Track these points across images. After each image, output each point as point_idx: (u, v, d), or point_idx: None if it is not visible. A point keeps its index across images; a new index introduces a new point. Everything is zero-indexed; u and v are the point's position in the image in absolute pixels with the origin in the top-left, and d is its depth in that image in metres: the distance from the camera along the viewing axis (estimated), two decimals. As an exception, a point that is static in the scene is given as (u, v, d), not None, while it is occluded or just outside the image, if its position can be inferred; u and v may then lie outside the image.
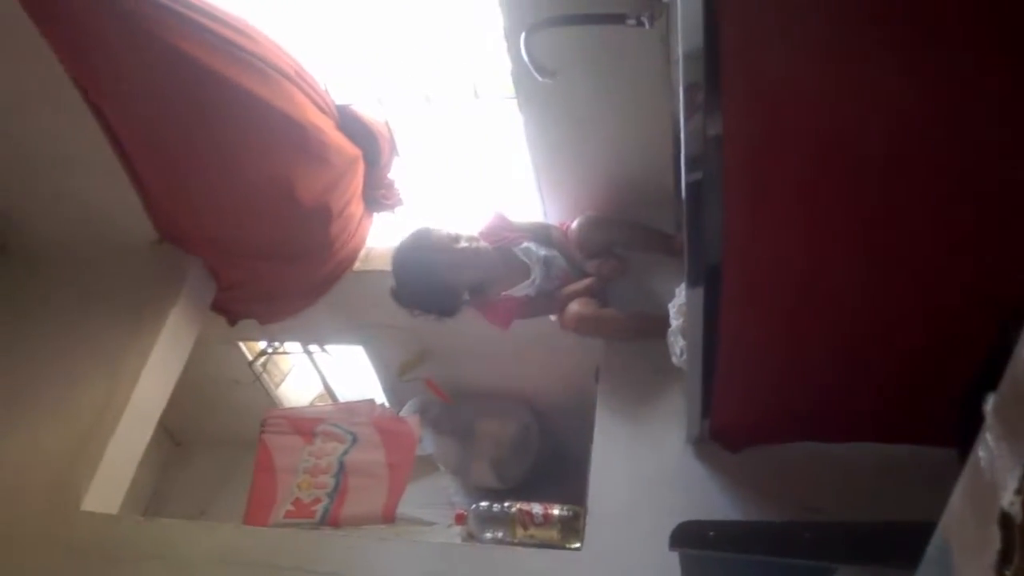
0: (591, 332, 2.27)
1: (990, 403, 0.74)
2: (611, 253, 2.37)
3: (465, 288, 2.36)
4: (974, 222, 1.29)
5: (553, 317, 2.39)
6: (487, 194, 2.85)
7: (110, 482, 2.32)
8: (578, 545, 2.00)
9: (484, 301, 2.37)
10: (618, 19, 1.86)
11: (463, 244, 2.32)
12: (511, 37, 2.08)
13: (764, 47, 1.15)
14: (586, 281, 2.33)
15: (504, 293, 2.34)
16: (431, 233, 2.34)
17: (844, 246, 1.39)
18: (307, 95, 2.27)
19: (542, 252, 2.39)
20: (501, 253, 2.37)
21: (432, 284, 2.31)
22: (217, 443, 3.76)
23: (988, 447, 0.73)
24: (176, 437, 3.94)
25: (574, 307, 2.26)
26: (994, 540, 0.68)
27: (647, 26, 1.83)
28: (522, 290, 2.33)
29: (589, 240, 2.38)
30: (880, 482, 1.78)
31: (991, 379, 0.75)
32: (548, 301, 2.35)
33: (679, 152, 1.34)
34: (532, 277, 2.34)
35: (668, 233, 2.35)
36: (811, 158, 1.27)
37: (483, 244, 2.35)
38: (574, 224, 2.41)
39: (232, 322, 2.85)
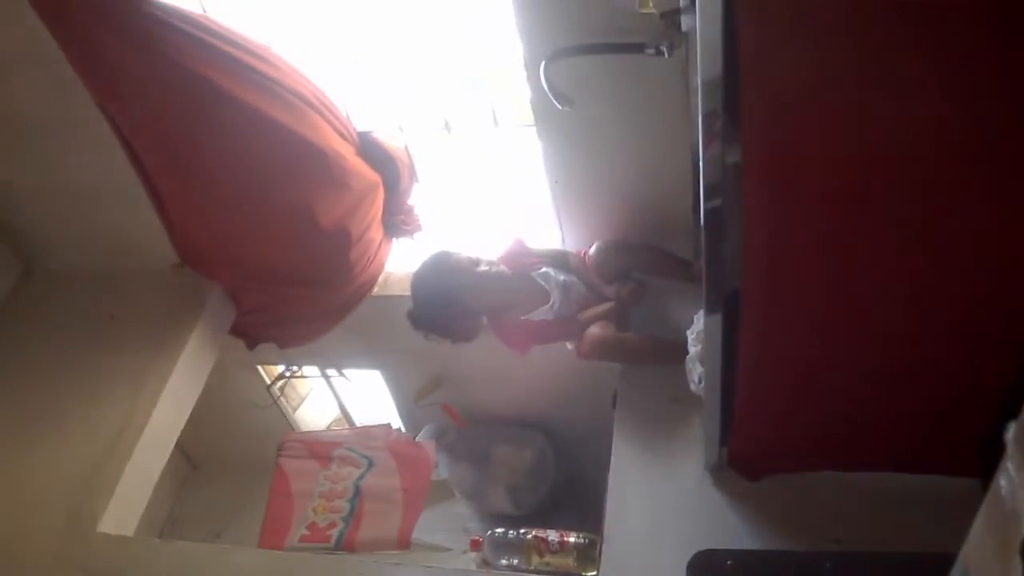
0: (611, 356, 2.27)
1: (1011, 432, 0.73)
2: (630, 277, 2.37)
3: (484, 312, 2.36)
4: (1002, 251, 1.28)
5: (570, 346, 2.39)
6: (506, 221, 2.86)
7: (127, 504, 2.31)
8: (594, 573, 1.99)
9: (502, 325, 2.37)
10: (637, 48, 1.87)
11: (483, 268, 2.32)
12: (531, 66, 2.10)
13: (783, 75, 1.16)
14: (606, 305, 2.33)
15: (523, 318, 2.34)
16: (451, 256, 2.35)
17: (867, 274, 1.39)
18: (328, 122, 2.30)
19: (561, 277, 2.39)
20: (520, 278, 2.37)
21: (451, 307, 2.31)
22: (234, 466, 3.76)
23: (1009, 476, 0.72)
24: (193, 460, 3.94)
25: (594, 331, 2.25)
26: (1016, 570, 0.67)
27: (666, 55, 1.84)
28: (541, 315, 2.33)
29: (607, 264, 2.38)
30: (902, 513, 1.76)
31: (1014, 408, 0.74)
32: (567, 326, 2.35)
33: (698, 180, 1.35)
34: (551, 302, 2.34)
35: (687, 260, 2.35)
36: (831, 185, 1.27)
37: (503, 268, 2.35)
38: (592, 249, 2.42)
39: (251, 346, 2.87)
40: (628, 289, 2.32)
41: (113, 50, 1.99)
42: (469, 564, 2.53)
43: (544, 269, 2.40)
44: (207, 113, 2.12)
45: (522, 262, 2.42)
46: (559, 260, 2.47)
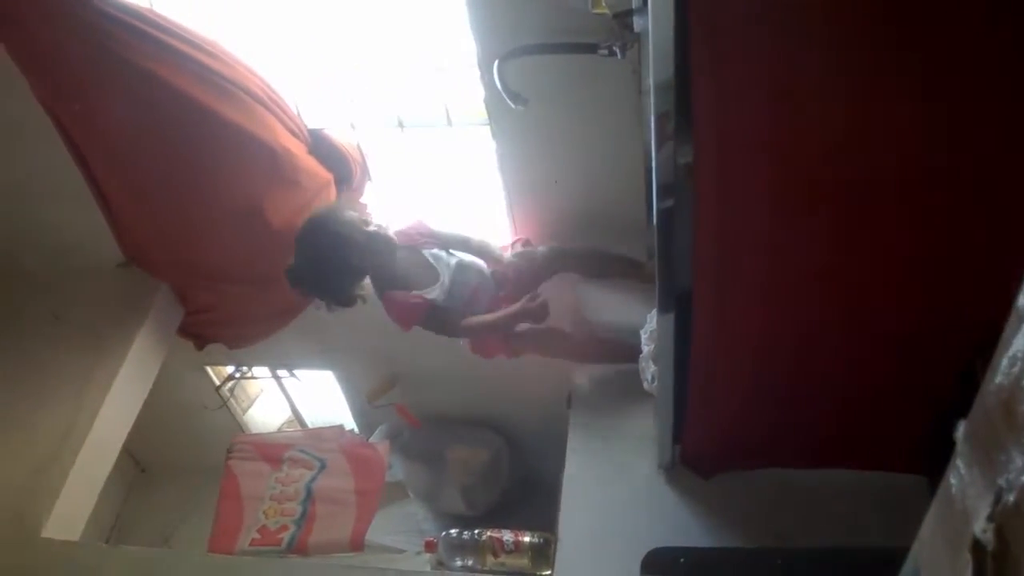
0: (550, 349, 2.24)
1: (961, 430, 0.73)
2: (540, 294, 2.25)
3: (366, 274, 2.25)
4: (946, 251, 1.31)
5: (463, 342, 2.35)
6: (459, 219, 2.84)
7: (72, 508, 2.27)
8: (549, 573, 1.99)
9: (391, 297, 2.27)
10: (590, 49, 1.88)
11: (372, 227, 2.23)
12: (484, 64, 2.09)
13: (734, 76, 1.17)
14: (501, 313, 2.24)
15: (415, 292, 2.26)
16: (340, 211, 2.25)
17: (814, 274, 1.40)
18: (279, 119, 2.27)
19: (454, 260, 2.32)
20: (408, 249, 2.31)
21: (334, 262, 2.19)
22: (182, 469, 3.69)
23: (959, 474, 0.73)
24: (141, 463, 3.87)
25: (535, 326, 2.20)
26: (966, 568, 0.68)
27: (619, 56, 1.85)
28: (432, 292, 2.25)
29: (546, 268, 2.33)
30: (853, 509, 1.79)
31: (961, 406, 0.75)
32: (453, 320, 2.26)
33: (651, 180, 1.35)
34: (441, 280, 2.27)
35: (639, 261, 2.34)
36: (780, 186, 1.29)
37: (391, 234, 2.27)
38: (541, 248, 2.38)
39: (200, 346, 2.82)
40: (539, 303, 2.18)
41: (54, 45, 1.95)
42: (423, 566, 2.51)
43: (436, 250, 2.33)
44: (152, 110, 2.09)
45: (414, 239, 2.35)
46: (459, 243, 2.40)
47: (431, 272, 2.28)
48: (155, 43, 2.02)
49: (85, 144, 2.19)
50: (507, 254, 2.42)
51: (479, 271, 2.34)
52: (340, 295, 2.23)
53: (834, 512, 1.80)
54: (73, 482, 2.27)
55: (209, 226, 2.36)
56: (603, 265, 2.36)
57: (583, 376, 2.26)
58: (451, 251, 2.35)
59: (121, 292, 2.63)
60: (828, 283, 1.42)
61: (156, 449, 3.75)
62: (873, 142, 1.20)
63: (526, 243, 2.46)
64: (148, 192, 2.30)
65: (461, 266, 2.31)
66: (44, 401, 2.43)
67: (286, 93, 2.37)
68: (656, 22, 1.14)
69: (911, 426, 1.62)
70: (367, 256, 2.21)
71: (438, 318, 2.26)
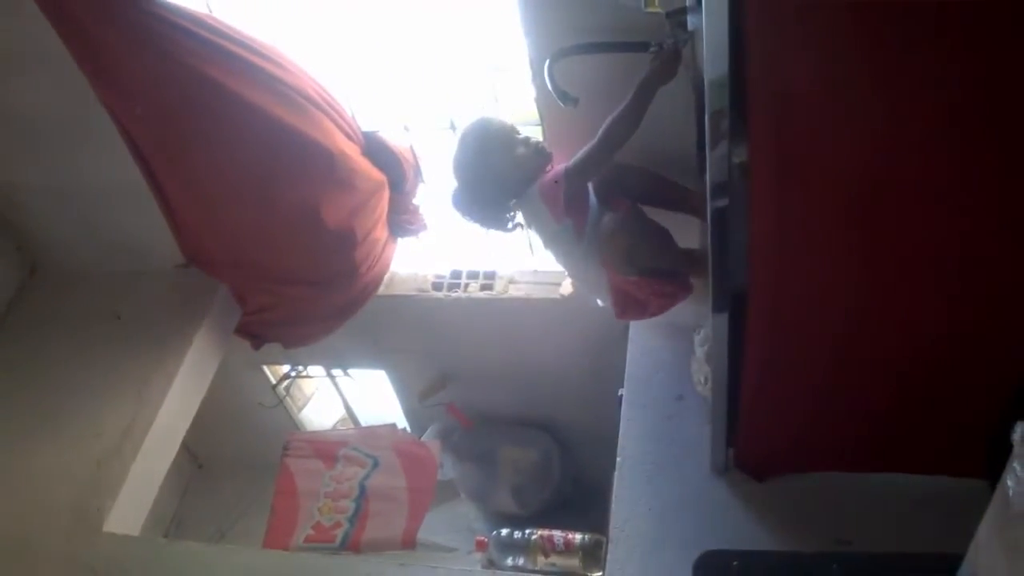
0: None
1: (1019, 432, 0.72)
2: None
3: (523, 181, 2.12)
4: (1014, 254, 1.28)
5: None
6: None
7: (132, 504, 2.32)
8: (599, 574, 1.98)
9: (544, 183, 2.12)
10: (642, 47, 1.86)
11: (523, 136, 2.13)
12: (535, 64, 2.09)
13: (790, 74, 1.16)
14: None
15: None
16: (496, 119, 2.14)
17: (874, 276, 1.38)
18: (334, 122, 2.29)
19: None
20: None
21: (494, 166, 2.09)
22: (239, 466, 3.76)
23: (1016, 477, 0.71)
24: (198, 459, 3.94)
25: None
26: (1022, 571, 0.66)
27: (671, 54, 1.83)
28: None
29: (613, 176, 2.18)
30: (910, 514, 1.75)
31: (1020, 409, 0.73)
32: (595, 148, 2.04)
33: (705, 180, 1.34)
34: None
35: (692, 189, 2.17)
36: (840, 185, 1.27)
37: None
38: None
39: (257, 346, 2.87)
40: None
41: (115, 48, 1.99)
42: (474, 564, 2.53)
43: None
44: (211, 113, 2.12)
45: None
46: None
47: None
48: (212, 47, 2.06)
49: (146, 146, 2.24)
50: None
51: None
52: (499, 209, 2.15)
53: (894, 516, 1.77)
54: (134, 477, 2.32)
55: (267, 228, 2.39)
56: (663, 187, 2.21)
57: (633, 376, 2.25)
58: None
59: (181, 292, 2.69)
60: (890, 283, 1.40)
61: (214, 446, 3.82)
62: (938, 146, 1.18)
63: None
64: (207, 194, 2.34)
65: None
66: (106, 398, 2.49)
67: (341, 95, 2.39)
68: (710, 20, 1.14)
69: (973, 429, 1.58)
70: (520, 170, 2.11)
71: (579, 163, 2.07)
